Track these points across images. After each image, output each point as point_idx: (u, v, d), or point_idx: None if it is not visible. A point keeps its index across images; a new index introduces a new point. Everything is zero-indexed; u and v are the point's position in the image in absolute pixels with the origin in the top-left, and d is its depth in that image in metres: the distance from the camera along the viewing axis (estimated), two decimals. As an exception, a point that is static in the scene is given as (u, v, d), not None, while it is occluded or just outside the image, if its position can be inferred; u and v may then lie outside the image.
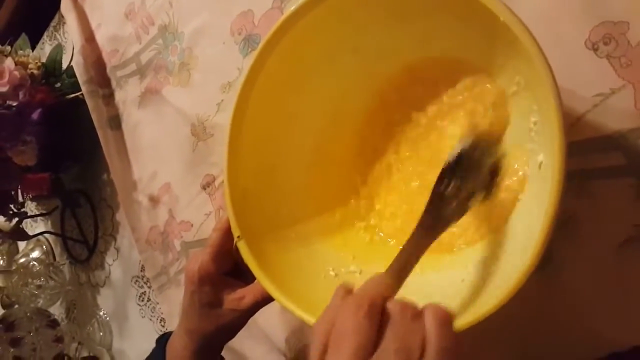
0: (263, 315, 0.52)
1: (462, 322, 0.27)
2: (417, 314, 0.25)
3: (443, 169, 0.31)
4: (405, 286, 0.30)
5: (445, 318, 0.25)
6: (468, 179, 0.31)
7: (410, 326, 0.24)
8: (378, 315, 0.25)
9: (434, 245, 0.31)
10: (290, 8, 0.36)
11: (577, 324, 0.34)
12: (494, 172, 0.31)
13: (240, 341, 0.56)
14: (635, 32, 0.32)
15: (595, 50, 0.33)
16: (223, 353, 0.46)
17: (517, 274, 0.26)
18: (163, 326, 0.69)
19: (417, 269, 0.33)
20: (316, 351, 0.25)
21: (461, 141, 0.31)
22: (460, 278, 0.34)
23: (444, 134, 0.39)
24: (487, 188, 0.31)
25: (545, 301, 0.35)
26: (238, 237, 0.39)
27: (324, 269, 0.41)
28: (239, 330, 0.42)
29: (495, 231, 0.34)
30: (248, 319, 0.41)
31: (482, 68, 0.35)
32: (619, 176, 0.32)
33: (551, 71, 0.27)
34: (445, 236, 0.31)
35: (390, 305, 0.25)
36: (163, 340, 0.45)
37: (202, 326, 0.40)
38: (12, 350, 0.71)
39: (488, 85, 0.35)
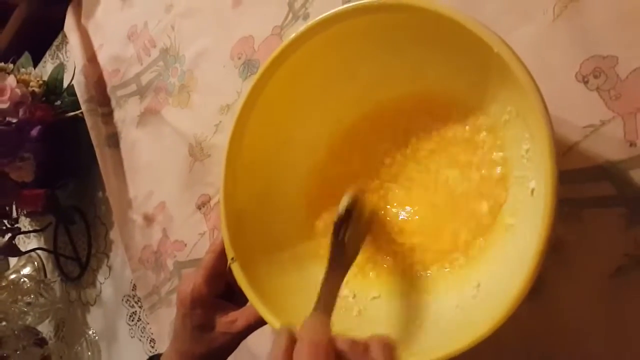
0: (253, 338, 0.52)
1: (459, 346, 0.28)
2: (365, 349, 0.27)
3: (335, 222, 0.36)
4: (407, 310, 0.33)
5: (389, 348, 0.27)
6: (356, 226, 0.37)
7: None
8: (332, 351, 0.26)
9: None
10: (290, 35, 0.37)
11: (569, 351, 0.34)
12: (372, 219, 0.40)
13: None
14: (624, 66, 0.33)
15: (585, 83, 0.34)
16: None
17: (510, 299, 0.26)
18: (153, 347, 0.68)
19: (421, 292, 0.36)
20: None
21: (346, 196, 0.37)
22: (455, 304, 0.34)
23: (431, 168, 0.40)
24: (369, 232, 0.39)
25: (537, 328, 0.35)
26: (232, 259, 0.39)
27: (317, 289, 0.41)
28: (230, 354, 0.42)
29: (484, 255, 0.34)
30: (240, 342, 0.41)
31: (473, 103, 0.36)
32: (610, 205, 0.33)
33: (542, 99, 0.27)
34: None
35: (342, 347, 0.26)
36: None
37: (193, 349, 0.40)
38: (-3, 369, 0.70)
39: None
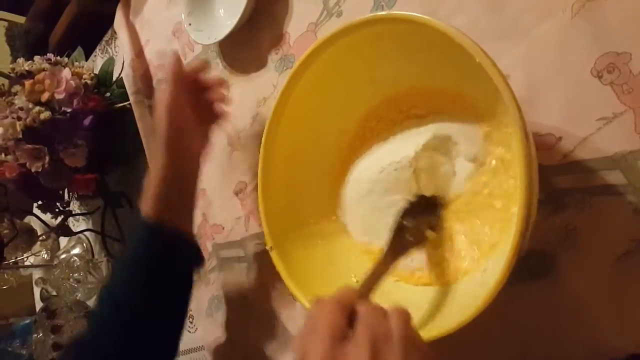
0: (287, 315, 0.56)
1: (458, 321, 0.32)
2: (383, 314, 0.30)
3: (405, 208, 0.40)
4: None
5: (406, 315, 0.30)
6: (423, 218, 0.40)
7: (379, 321, 0.29)
8: (348, 311, 0.29)
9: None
10: (324, 32, 0.40)
11: (577, 331, 0.37)
12: (441, 215, 0.41)
13: (264, 337, 0.60)
14: (636, 62, 0.35)
15: (599, 77, 0.36)
16: (239, 347, 0.49)
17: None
18: (191, 322, 0.73)
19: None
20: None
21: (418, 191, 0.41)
22: (464, 288, 0.38)
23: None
24: (436, 228, 0.41)
25: (546, 308, 0.38)
26: (270, 247, 0.44)
27: (347, 275, 0.45)
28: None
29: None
30: None
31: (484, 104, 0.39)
32: (619, 194, 0.35)
33: (516, 102, 0.30)
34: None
35: (361, 307, 0.30)
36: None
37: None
38: (52, 336, 0.77)
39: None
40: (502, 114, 0.36)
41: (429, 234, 0.40)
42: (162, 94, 0.49)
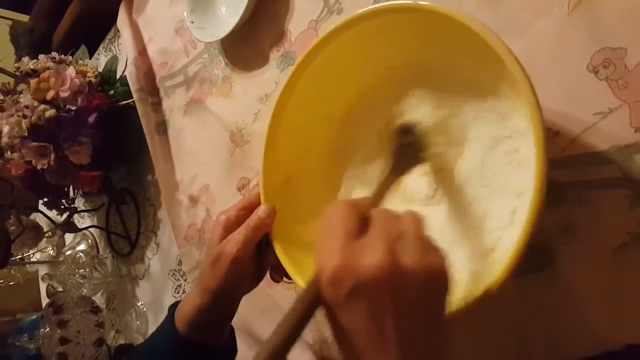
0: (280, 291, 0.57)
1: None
2: (397, 216, 0.30)
3: (399, 129, 0.43)
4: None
5: (419, 218, 0.30)
6: (416, 140, 0.43)
7: (392, 221, 0.29)
8: (360, 213, 0.29)
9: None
10: (325, 29, 0.41)
11: (575, 323, 0.37)
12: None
13: (265, 330, 0.61)
14: (632, 58, 0.35)
15: (595, 73, 0.37)
16: (244, 337, 0.49)
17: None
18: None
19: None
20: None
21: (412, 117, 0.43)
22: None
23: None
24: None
25: (545, 301, 0.38)
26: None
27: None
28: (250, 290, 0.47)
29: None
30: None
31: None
32: (615, 187, 0.36)
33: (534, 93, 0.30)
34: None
35: (374, 210, 0.30)
36: (173, 305, 0.48)
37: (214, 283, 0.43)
38: (59, 331, 0.78)
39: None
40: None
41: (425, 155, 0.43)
42: (235, 242, 0.42)
